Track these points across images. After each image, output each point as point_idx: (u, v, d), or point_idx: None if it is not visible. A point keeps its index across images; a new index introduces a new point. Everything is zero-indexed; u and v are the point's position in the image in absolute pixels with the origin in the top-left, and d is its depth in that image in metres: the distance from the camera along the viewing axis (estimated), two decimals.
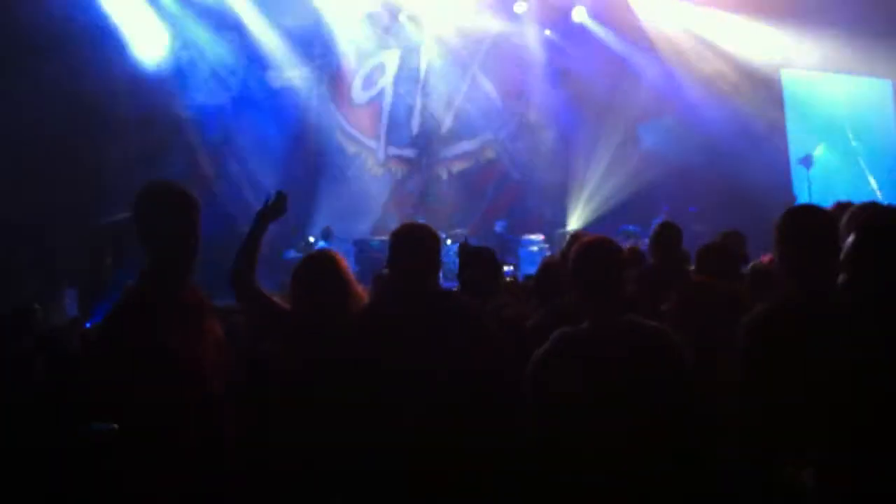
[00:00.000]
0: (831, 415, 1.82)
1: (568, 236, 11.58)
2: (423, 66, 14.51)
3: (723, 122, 12.19)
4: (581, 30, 13.99)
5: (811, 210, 2.47)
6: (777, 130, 13.41)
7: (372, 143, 14.55)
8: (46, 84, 9.19)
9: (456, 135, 14.72)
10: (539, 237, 13.12)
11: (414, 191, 14.57)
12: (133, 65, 11.33)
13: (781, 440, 2.14)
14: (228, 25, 12.66)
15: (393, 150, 14.64)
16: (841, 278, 2.05)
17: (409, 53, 14.44)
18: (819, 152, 13.07)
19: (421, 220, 3.01)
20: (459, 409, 2.49)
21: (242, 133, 13.05)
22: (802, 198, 12.21)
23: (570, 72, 13.90)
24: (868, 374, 1.78)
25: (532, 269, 7.36)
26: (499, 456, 2.47)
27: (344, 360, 2.63)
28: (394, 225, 3.20)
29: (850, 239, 1.98)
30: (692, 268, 4.18)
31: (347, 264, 3.12)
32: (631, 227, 12.08)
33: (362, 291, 3.11)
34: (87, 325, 6.51)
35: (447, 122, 14.70)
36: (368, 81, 14.45)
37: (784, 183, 13.21)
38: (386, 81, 14.57)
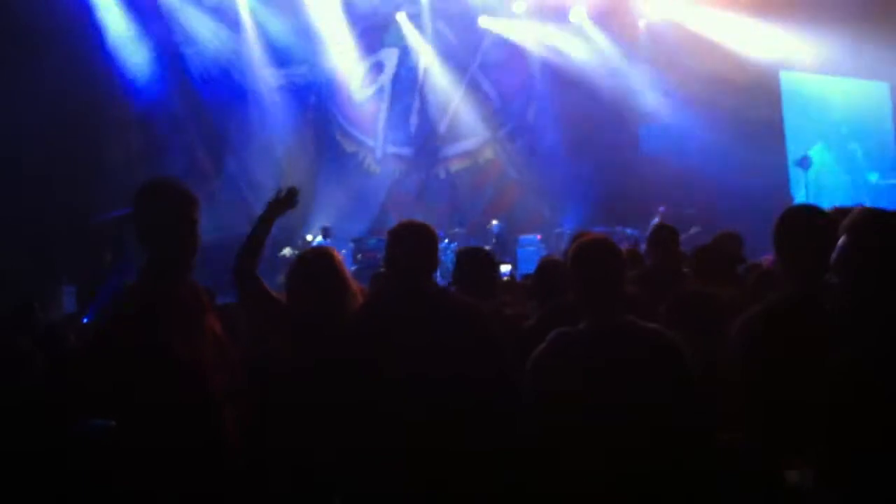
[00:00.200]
0: (831, 415, 1.82)
1: (566, 236, 11.62)
2: (421, 65, 14.51)
3: (721, 123, 12.20)
4: (579, 29, 14.00)
5: (811, 210, 2.47)
6: (775, 132, 13.42)
7: (370, 142, 14.54)
8: (46, 82, 9.18)
9: (454, 134, 14.72)
10: (537, 237, 13.13)
11: (412, 189, 14.58)
12: (133, 63, 11.32)
13: (781, 440, 2.15)
14: (228, 24, 12.66)
15: (391, 149, 14.64)
16: (835, 279, 2.07)
17: (408, 52, 14.44)
18: (815, 154, 13.08)
19: (419, 219, 2.98)
20: (458, 409, 2.48)
21: (242, 131, 13.05)
22: (800, 199, 12.23)
23: (568, 71, 13.91)
24: (867, 373, 1.79)
25: (530, 269, 7.37)
26: (498, 456, 2.47)
27: (342, 360, 2.62)
28: (392, 223, 3.17)
29: (840, 241, 2.00)
30: (688, 269, 4.19)
31: (344, 261, 3.07)
32: (629, 231, 12.07)
33: (359, 289, 3.06)
34: (84, 320, 6.50)
35: (445, 122, 14.70)
36: (367, 80, 14.45)
37: (781, 184, 13.23)
38: (385, 80, 14.56)
